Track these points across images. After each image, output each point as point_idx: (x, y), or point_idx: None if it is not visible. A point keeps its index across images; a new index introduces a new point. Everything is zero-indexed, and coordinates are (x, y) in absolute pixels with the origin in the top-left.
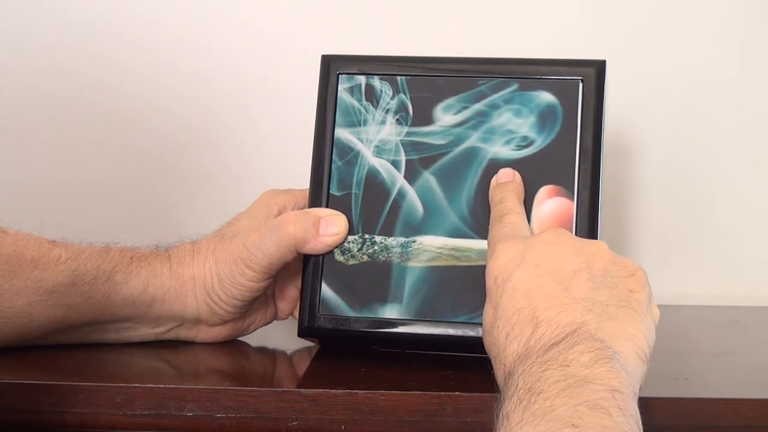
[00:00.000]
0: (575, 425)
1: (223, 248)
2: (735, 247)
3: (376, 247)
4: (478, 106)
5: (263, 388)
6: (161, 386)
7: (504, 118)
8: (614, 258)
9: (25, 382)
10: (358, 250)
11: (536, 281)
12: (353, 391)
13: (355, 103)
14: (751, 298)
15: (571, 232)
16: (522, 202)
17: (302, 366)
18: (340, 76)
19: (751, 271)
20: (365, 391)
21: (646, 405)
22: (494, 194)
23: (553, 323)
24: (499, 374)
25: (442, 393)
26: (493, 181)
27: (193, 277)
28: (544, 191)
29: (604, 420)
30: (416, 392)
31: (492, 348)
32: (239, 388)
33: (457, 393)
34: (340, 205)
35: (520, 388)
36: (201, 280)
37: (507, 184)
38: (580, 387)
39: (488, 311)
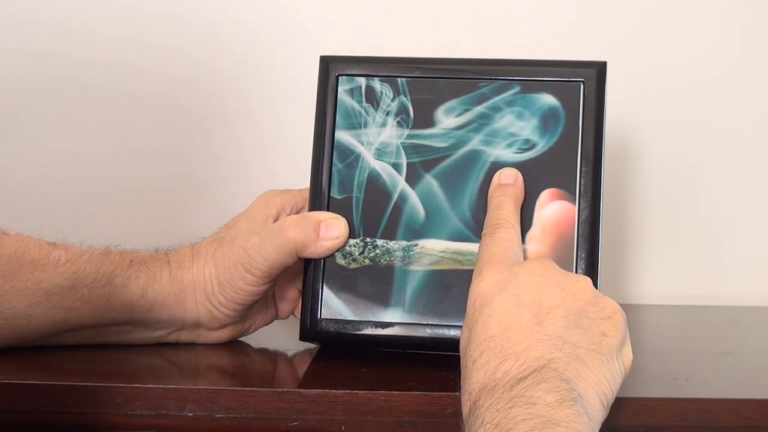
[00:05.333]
0: None
1: (222, 252)
2: (735, 247)
3: (377, 251)
4: (479, 109)
5: (263, 388)
6: (161, 386)
7: (506, 121)
8: (595, 298)
9: (25, 382)
10: (359, 254)
11: (513, 311)
12: (353, 392)
13: (356, 105)
14: (751, 298)
15: (573, 235)
16: (519, 209)
17: (302, 366)
18: (339, 77)
19: (750, 271)
20: (365, 391)
21: (646, 405)
22: (493, 196)
23: (521, 357)
24: (465, 400)
25: (442, 393)
26: (495, 179)
27: (193, 281)
28: (546, 195)
29: None
30: (416, 392)
31: (462, 371)
32: (239, 388)
33: (457, 393)
34: (341, 208)
35: (487, 422)
36: (201, 285)
37: (508, 187)
38: (546, 429)
39: (464, 332)
